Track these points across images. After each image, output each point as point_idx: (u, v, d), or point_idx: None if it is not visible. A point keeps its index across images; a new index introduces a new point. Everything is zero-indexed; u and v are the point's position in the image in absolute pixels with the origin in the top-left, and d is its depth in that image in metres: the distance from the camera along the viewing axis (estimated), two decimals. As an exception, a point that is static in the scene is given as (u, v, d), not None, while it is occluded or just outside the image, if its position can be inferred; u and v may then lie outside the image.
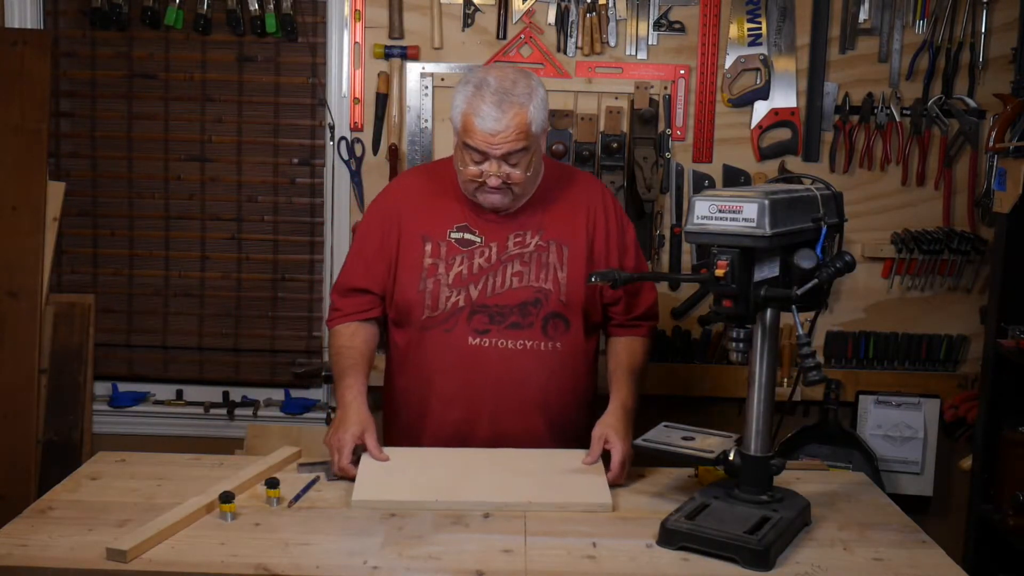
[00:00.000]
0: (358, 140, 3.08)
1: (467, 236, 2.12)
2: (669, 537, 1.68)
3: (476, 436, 2.11)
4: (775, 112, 3.04)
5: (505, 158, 2.00)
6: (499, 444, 2.09)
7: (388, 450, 2.02)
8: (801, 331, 1.63)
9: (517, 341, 2.09)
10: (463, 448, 2.07)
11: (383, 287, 2.17)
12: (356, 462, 1.96)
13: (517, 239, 2.12)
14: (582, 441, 2.07)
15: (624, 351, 2.20)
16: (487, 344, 2.08)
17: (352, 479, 1.92)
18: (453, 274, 2.10)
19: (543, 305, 2.10)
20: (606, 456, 1.98)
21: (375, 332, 2.22)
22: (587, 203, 2.18)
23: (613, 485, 1.92)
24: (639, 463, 2.02)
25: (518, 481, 1.90)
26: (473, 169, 2.02)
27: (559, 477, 1.93)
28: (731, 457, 1.78)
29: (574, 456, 2.02)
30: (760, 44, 3.03)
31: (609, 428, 2.00)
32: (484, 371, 2.08)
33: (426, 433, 2.15)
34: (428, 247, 2.12)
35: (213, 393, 3.24)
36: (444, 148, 3.00)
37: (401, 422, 2.23)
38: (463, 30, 3.03)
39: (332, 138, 3.09)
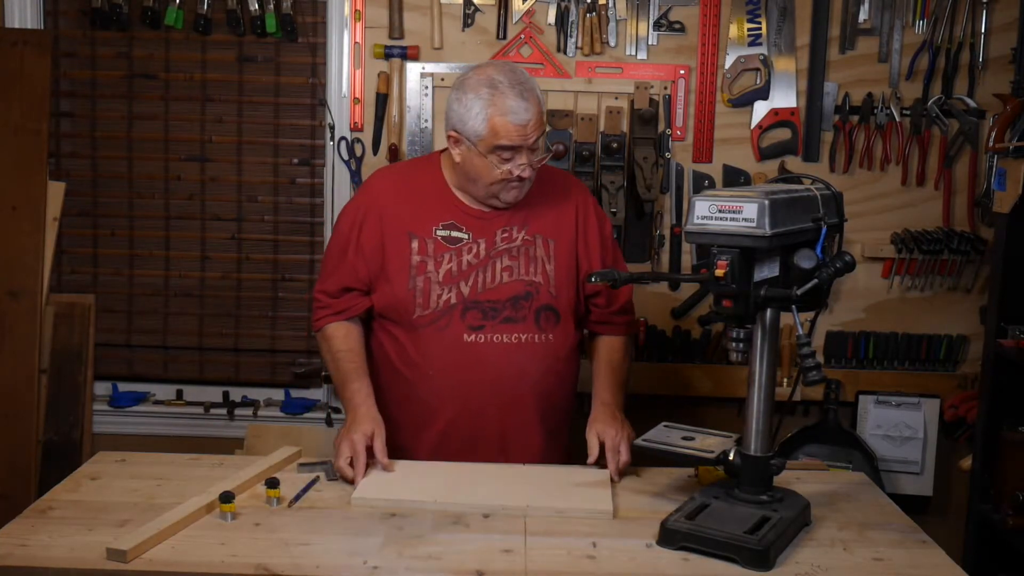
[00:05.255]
0: (358, 140, 3.08)
1: (454, 233, 2.13)
2: (669, 537, 1.68)
3: (477, 429, 2.12)
4: (775, 112, 3.04)
5: (532, 146, 2.04)
6: (499, 437, 2.12)
7: (395, 463, 2.01)
8: (801, 331, 1.63)
9: (512, 335, 2.11)
10: (467, 463, 2.06)
11: (367, 285, 2.17)
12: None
13: (504, 234, 2.14)
14: (571, 428, 2.14)
15: (606, 350, 2.25)
16: (482, 340, 2.09)
17: (351, 482, 1.92)
18: (443, 271, 2.11)
19: (534, 298, 2.13)
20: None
21: (362, 331, 2.22)
22: (574, 200, 2.21)
23: (621, 474, 1.98)
24: (639, 463, 2.03)
25: (520, 487, 1.91)
26: (505, 168, 2.03)
27: (562, 484, 1.93)
28: (731, 457, 1.78)
29: (579, 470, 2.01)
30: (760, 44, 3.03)
31: (599, 424, 2.05)
32: (481, 366, 2.09)
33: (425, 431, 2.14)
34: (415, 244, 2.12)
35: (213, 393, 3.25)
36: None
37: (392, 421, 2.16)
38: (463, 30, 3.03)
39: (332, 138, 3.09)
